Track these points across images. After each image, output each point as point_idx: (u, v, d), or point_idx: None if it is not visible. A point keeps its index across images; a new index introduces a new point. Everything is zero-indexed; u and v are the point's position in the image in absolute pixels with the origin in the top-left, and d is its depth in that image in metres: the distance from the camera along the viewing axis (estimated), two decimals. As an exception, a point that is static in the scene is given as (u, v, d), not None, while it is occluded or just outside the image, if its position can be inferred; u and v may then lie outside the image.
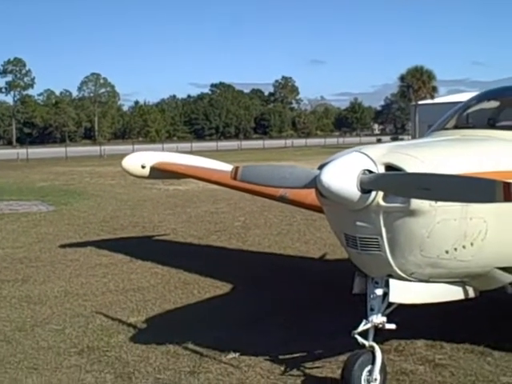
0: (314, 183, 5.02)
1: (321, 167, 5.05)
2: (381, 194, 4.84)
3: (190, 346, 6.47)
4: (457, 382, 5.52)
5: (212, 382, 5.67)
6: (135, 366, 6.02)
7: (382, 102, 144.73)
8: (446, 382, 5.55)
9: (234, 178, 5.94)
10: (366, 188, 4.78)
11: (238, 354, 6.22)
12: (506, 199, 4.13)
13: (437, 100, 70.47)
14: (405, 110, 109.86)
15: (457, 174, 4.68)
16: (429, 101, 70.56)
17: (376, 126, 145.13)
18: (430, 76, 72.70)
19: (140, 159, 10.56)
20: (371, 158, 4.88)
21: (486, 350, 6.21)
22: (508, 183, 4.11)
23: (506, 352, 6.11)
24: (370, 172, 4.82)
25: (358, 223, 5.01)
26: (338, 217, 5.31)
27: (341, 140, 73.76)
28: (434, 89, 73.66)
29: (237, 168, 5.94)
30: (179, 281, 9.42)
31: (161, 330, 7.06)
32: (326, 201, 5.14)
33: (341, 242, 5.52)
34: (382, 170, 4.87)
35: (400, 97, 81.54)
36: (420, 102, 72.11)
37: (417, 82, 71.42)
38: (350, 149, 5.30)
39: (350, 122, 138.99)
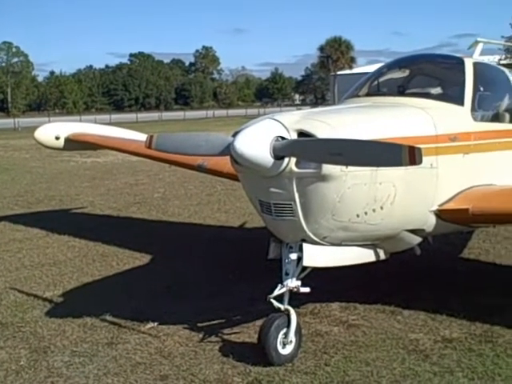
0: (229, 150, 5.03)
1: (235, 134, 5.06)
2: (293, 160, 4.91)
3: (108, 317, 6.41)
4: (368, 341, 5.74)
5: (130, 352, 5.65)
6: (51, 340, 5.92)
7: (303, 73, 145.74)
8: (359, 341, 5.75)
9: (149, 147, 5.88)
10: (278, 154, 4.84)
11: (156, 324, 6.22)
12: (412, 163, 4.29)
13: (355, 70, 71.63)
14: (325, 80, 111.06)
15: (366, 140, 4.80)
16: (347, 71, 71.65)
17: (297, 97, 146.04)
18: (349, 46, 73.79)
19: (54, 130, 10.24)
20: (284, 125, 4.93)
21: (396, 309, 6.47)
22: (413, 148, 4.26)
23: (414, 310, 6.39)
24: (283, 138, 4.87)
25: (272, 189, 5.08)
26: (253, 184, 5.35)
27: (262, 110, 73.81)
28: (353, 59, 74.83)
29: (151, 137, 5.87)
30: (97, 253, 9.28)
31: (78, 303, 6.94)
32: (241, 168, 5.17)
33: (256, 209, 5.58)
34: (294, 136, 4.93)
35: (320, 67, 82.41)
36: (339, 73, 73.13)
37: (335, 52, 72.34)
38: (264, 116, 5.33)
39: (271, 92, 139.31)
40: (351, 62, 74.59)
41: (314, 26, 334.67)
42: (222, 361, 5.39)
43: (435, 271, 7.97)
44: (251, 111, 78.61)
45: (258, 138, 4.82)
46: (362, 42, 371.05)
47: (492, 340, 5.66)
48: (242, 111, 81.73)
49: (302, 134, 4.95)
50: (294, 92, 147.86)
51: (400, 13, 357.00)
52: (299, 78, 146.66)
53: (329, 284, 6.93)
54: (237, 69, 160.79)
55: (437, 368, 5.15)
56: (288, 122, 4.98)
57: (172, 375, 5.17)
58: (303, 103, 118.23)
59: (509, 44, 52.73)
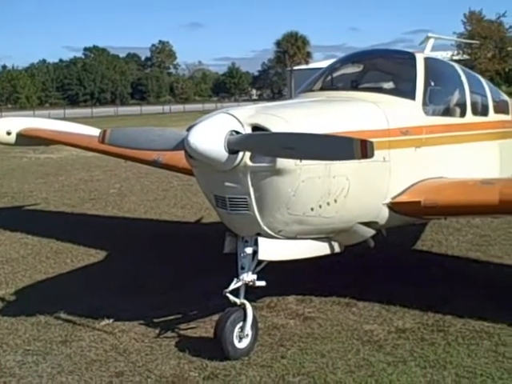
0: (183, 145, 5.00)
1: (189, 129, 5.04)
2: (248, 154, 4.92)
3: (63, 315, 6.32)
4: (324, 333, 5.80)
5: (85, 349, 5.58)
6: (3, 339, 5.80)
7: (260, 68, 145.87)
8: (315, 333, 5.81)
9: (102, 142, 5.81)
10: (233, 149, 4.84)
11: (111, 320, 6.15)
12: (363, 156, 4.34)
13: (312, 65, 72.06)
14: (281, 75, 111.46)
15: (318, 133, 4.83)
16: (304, 66, 72.06)
17: (254, 92, 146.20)
18: (305, 42, 74.23)
19: (5, 125, 10.03)
20: (238, 119, 4.94)
21: (351, 301, 6.56)
22: (364, 141, 4.31)
23: (368, 302, 6.49)
24: (237, 133, 4.87)
25: (227, 184, 5.07)
26: (207, 178, 5.34)
27: (219, 105, 73.64)
28: (309, 54, 75.34)
29: (105, 131, 5.81)
30: (51, 251, 9.12)
31: (31, 301, 6.82)
32: (195, 162, 5.16)
33: (211, 204, 5.57)
34: (248, 130, 4.94)
35: (276, 62, 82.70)
36: (295, 68, 73.49)
37: (292, 47, 72.69)
38: (218, 110, 5.33)
39: (228, 87, 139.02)
40: (308, 57, 75.08)
41: (273, 20, 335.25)
42: (179, 356, 5.37)
43: (389, 263, 8.10)
44: (208, 106, 78.25)
45: (211, 133, 4.81)
46: (320, 38, 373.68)
47: (444, 329, 5.79)
48: (199, 106, 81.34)
49: (256, 128, 4.96)
50: (251, 87, 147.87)
51: (357, 9, 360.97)
52: (256, 73, 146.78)
53: (285, 277, 6.98)
54: (193, 63, 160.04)
55: (390, 358, 5.24)
56: (242, 116, 4.99)
57: (128, 371, 5.13)
58: (260, 98, 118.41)
59: (460, 40, 53.86)
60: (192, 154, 4.95)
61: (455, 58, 62.31)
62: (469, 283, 7.17)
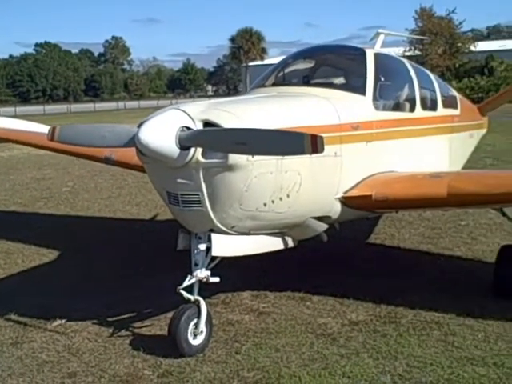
0: (134, 141, 4.95)
1: (140, 125, 4.99)
2: (200, 150, 4.90)
3: (13, 316, 6.20)
4: (278, 327, 5.83)
5: (36, 351, 5.48)
6: (-50, 344, 5.65)
7: (215, 64, 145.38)
8: (269, 328, 5.84)
9: (51, 139, 5.71)
10: (184, 145, 4.81)
11: (64, 321, 6.06)
12: (314, 151, 4.37)
13: (267, 61, 72.25)
14: (237, 71, 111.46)
15: (269, 129, 4.85)
16: (259, 62, 72.21)
17: (210, 88, 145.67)
18: (260, 37, 74.42)
19: (-49, 123, 9.74)
20: (189, 115, 4.91)
21: (306, 295, 6.61)
22: (315, 136, 4.34)
23: (323, 296, 6.55)
24: (189, 129, 4.85)
25: (179, 180, 5.05)
26: (159, 175, 5.30)
27: (174, 101, 73.08)
28: (264, 50, 75.51)
29: (54, 128, 5.70)
30: (1, 251, 8.92)
31: (-20, 303, 6.66)
32: (147, 159, 5.12)
33: (163, 200, 5.53)
34: (200, 126, 4.92)
35: (232, 58, 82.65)
36: (250, 63, 73.58)
37: (247, 43, 72.77)
38: (169, 106, 5.29)
39: (183, 83, 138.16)
40: (263, 52, 75.29)
41: (229, 16, 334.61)
42: (133, 354, 5.33)
43: (343, 257, 8.19)
44: (163, 102, 77.42)
45: (162, 129, 4.78)
46: (276, 34, 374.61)
47: (395, 321, 5.89)
48: (153, 102, 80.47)
49: (207, 124, 4.94)
50: (207, 83, 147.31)
51: (312, 5, 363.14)
52: (212, 69, 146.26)
53: (240, 273, 7.00)
54: (148, 59, 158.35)
55: (344, 350, 5.30)
56: (193, 112, 4.96)
57: (80, 372, 5.07)
58: (216, 94, 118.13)
59: (409, 36, 54.69)
60: (143, 151, 4.91)
61: (407, 53, 63.43)
62: (420, 275, 7.30)
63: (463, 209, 9.84)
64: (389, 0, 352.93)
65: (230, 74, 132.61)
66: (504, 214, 6.94)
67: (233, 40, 74.79)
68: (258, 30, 74.33)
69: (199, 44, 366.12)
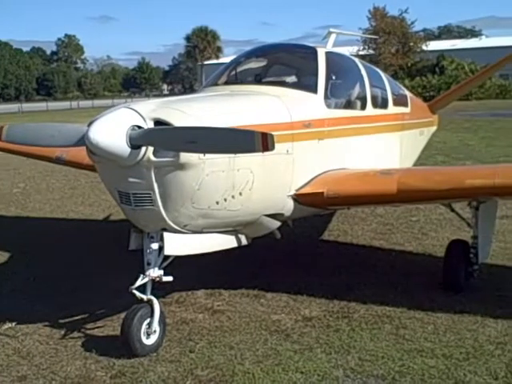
0: (84, 141, 4.89)
1: (89, 124, 4.93)
2: (151, 149, 4.87)
3: (-41, 322, 6.05)
4: (233, 325, 5.85)
5: (-16, 355, 5.37)
6: None
7: (171, 62, 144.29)
8: (223, 326, 5.85)
9: (-2, 139, 5.59)
10: (135, 144, 4.78)
11: (14, 324, 5.95)
12: (265, 149, 4.40)
13: (222, 60, 72.17)
14: (192, 69, 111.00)
15: (220, 127, 4.86)
16: (214, 60, 72.08)
17: (165, 86, 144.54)
18: (215, 36, 74.33)
19: None
20: (140, 114, 4.88)
21: (260, 292, 6.64)
22: (265, 134, 4.37)
23: (277, 293, 6.60)
24: (140, 127, 4.82)
25: (131, 179, 5.01)
26: (110, 174, 5.25)
27: (129, 100, 72.34)
28: (219, 49, 75.43)
29: (1, 128, 5.59)
30: None
31: None
32: (97, 158, 5.06)
33: (115, 200, 5.48)
34: (151, 125, 4.89)
35: (187, 57, 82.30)
36: (206, 62, 73.40)
37: (202, 42, 72.57)
38: (119, 105, 5.24)
39: (138, 82, 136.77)
40: (218, 51, 75.21)
41: (186, 14, 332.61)
42: (85, 356, 5.27)
43: (297, 254, 8.26)
44: (118, 101, 76.69)
45: (112, 128, 4.74)
46: (232, 32, 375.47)
47: (348, 315, 5.98)
48: (108, 102, 79.42)
49: (158, 122, 4.92)
50: (163, 82, 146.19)
51: (269, 3, 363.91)
52: (167, 68, 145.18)
53: (194, 272, 6.99)
54: (102, 58, 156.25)
55: (297, 346, 5.35)
56: (144, 110, 4.93)
57: (31, 375, 4.98)
58: (172, 93, 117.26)
59: (362, 35, 55.43)
60: (93, 150, 4.86)
61: (361, 52, 64.30)
62: (372, 270, 7.42)
63: (414, 205, 10.04)
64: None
65: (186, 73, 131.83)
66: (452, 210, 7.10)
67: (188, 39, 74.50)
68: (213, 29, 74.32)
69: (155, 42, 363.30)
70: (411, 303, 6.17)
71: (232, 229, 5.79)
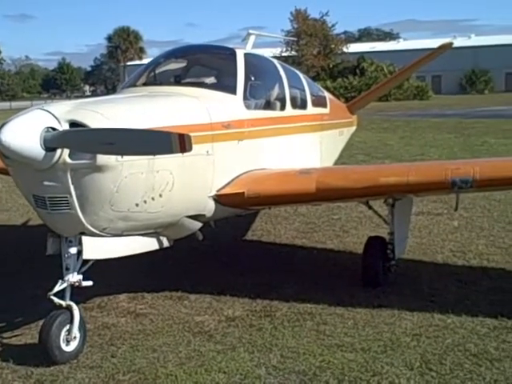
0: (-3, 144, 4.73)
1: (1, 126, 4.77)
2: (67, 151, 4.78)
3: None
4: (156, 328, 5.80)
5: None
6: None
7: (93, 63, 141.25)
8: (146, 329, 5.79)
9: None
10: (50, 146, 4.68)
11: None
12: (182, 150, 4.39)
13: (145, 61, 71.26)
14: (115, 70, 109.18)
15: (137, 128, 4.82)
16: (137, 61, 71.19)
17: (87, 88, 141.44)
18: (137, 37, 73.48)
19: None
20: (54, 116, 4.78)
21: (183, 294, 6.62)
22: (182, 135, 4.36)
23: (200, 294, 6.59)
24: (54, 129, 4.72)
25: (46, 183, 4.89)
26: (25, 178, 5.11)
27: (50, 102, 70.37)
28: (142, 49, 74.54)
29: None
30: None
31: None
32: (10, 162, 4.92)
33: (31, 204, 5.34)
34: (66, 127, 4.80)
35: (109, 57, 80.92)
36: (129, 63, 72.39)
37: (124, 42, 71.50)
38: (33, 107, 5.11)
39: (59, 83, 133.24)
40: (141, 52, 74.29)
41: (110, 14, 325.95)
42: (1, 366, 5.09)
43: (221, 254, 8.28)
44: (37, 103, 74.42)
45: (25, 130, 4.61)
46: (157, 33, 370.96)
47: (271, 314, 6.04)
48: (27, 103, 77.00)
49: (74, 124, 4.83)
50: (84, 83, 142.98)
51: (194, 4, 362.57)
52: (88, 69, 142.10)
53: (117, 275, 6.89)
54: (20, 58, 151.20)
55: (220, 346, 5.37)
56: (59, 112, 4.83)
57: None
58: (94, 94, 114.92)
59: (282, 37, 56.12)
60: (6, 153, 4.71)
61: (284, 54, 65.11)
62: (295, 269, 7.54)
63: (334, 203, 10.26)
64: (269, 1, 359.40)
65: (109, 74, 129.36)
66: (370, 207, 7.30)
67: (110, 39, 73.22)
68: (135, 29, 73.37)
69: (77, 42, 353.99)
70: (332, 300, 6.30)
71: (153, 231, 5.75)
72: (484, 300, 6.25)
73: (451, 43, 10.94)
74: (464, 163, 6.75)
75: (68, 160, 4.79)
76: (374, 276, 6.64)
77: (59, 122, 4.76)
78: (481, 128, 25.83)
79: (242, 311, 6.16)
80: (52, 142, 4.65)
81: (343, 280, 6.97)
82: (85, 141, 4.66)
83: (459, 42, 72.39)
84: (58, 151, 4.73)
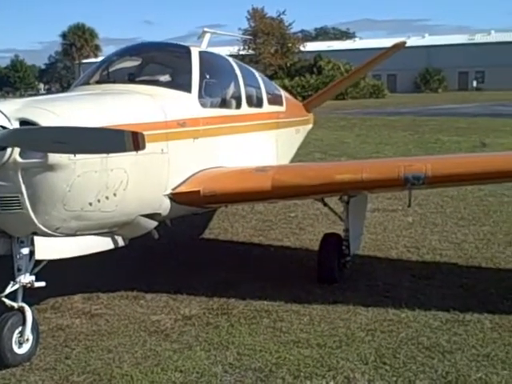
0: None
1: None
2: (17, 150, 4.70)
3: None
4: (111, 328, 5.73)
5: None
6: None
7: (47, 61, 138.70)
8: (101, 329, 5.72)
9: None
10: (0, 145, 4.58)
11: None
12: (135, 148, 4.36)
13: (101, 58, 70.55)
14: (70, 68, 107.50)
15: (89, 127, 4.76)
16: (93, 59, 70.28)
17: (42, 86, 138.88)
18: (93, 34, 72.53)
19: None
20: (4, 114, 4.69)
21: (139, 294, 6.56)
22: (136, 133, 4.33)
23: (156, 293, 6.55)
24: (4, 128, 4.62)
25: (-4, 182, 4.78)
26: (-27, 177, 4.98)
27: (3, 100, 68.83)
28: (97, 47, 73.59)
29: None
30: None
31: None
32: (-42, 161, 4.79)
33: (-20, 204, 5.20)
34: (16, 125, 4.71)
35: (64, 55, 79.65)
36: (84, 61, 71.41)
37: (79, 39, 70.48)
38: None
39: (12, 81, 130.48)
40: (96, 49, 73.33)
41: (64, 10, 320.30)
42: (-49, 370, 4.98)
43: (178, 253, 8.24)
44: (-10, 101, 72.79)
45: (-26, 129, 4.51)
46: (114, 31, 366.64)
47: (227, 312, 6.05)
48: (-21, 102, 75.41)
49: (24, 122, 4.74)
50: (39, 81, 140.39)
51: (151, 1, 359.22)
52: (43, 67, 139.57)
53: (71, 276, 6.79)
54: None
55: (176, 345, 5.34)
56: (8, 110, 4.74)
57: None
58: (49, 92, 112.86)
59: (237, 36, 56.09)
60: (-46, 153, 4.60)
61: (242, 52, 65.21)
62: (252, 266, 7.56)
63: (291, 201, 10.32)
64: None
65: (64, 72, 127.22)
66: (325, 204, 7.36)
67: (64, 36, 72.03)
68: (90, 27, 72.36)
69: (30, 39, 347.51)
70: (288, 297, 6.34)
71: (107, 230, 5.69)
72: (437, 294, 6.38)
73: (404, 42, 11.13)
74: (416, 160, 6.87)
75: (19, 159, 4.71)
76: (329, 272, 6.71)
77: (9, 120, 4.67)
78: (434, 126, 26.37)
79: (198, 309, 6.14)
80: (1, 140, 4.56)
81: (300, 277, 7.01)
82: (35, 139, 4.58)
83: (413, 41, 73.77)
84: (9, 150, 4.65)
